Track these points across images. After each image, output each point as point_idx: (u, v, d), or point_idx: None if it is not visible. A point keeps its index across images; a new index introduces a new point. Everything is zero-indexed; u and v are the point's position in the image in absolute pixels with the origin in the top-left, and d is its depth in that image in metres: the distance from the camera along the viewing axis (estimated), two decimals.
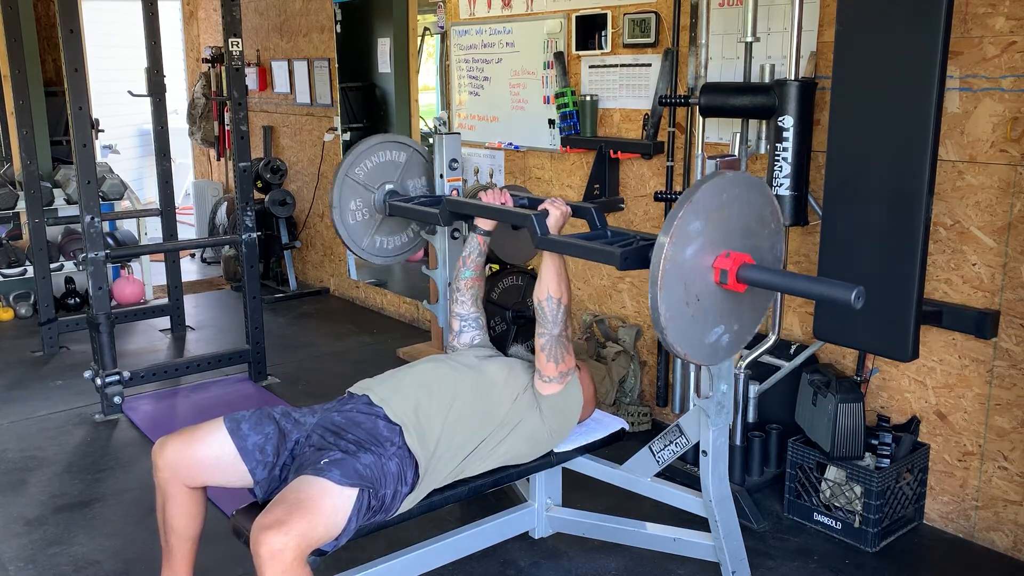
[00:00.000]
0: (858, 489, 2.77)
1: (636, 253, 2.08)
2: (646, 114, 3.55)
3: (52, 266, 5.06)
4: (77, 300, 5.52)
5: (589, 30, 3.74)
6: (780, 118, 2.73)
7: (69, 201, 5.47)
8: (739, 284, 1.92)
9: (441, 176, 2.85)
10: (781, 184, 2.76)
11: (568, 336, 2.36)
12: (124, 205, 5.94)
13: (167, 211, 5.01)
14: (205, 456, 2.12)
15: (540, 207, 2.38)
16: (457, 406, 2.27)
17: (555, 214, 2.35)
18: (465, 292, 2.65)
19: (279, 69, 6.19)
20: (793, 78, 2.72)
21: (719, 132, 3.26)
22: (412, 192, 2.93)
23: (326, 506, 1.93)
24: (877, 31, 2.44)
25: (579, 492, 2.91)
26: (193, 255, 7.26)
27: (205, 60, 6.95)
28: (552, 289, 2.31)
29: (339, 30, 5.51)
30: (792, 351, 3.04)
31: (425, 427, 2.21)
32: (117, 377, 3.87)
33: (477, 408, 2.30)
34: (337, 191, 2.78)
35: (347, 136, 5.65)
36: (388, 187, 2.87)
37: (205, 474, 2.14)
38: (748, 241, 1.98)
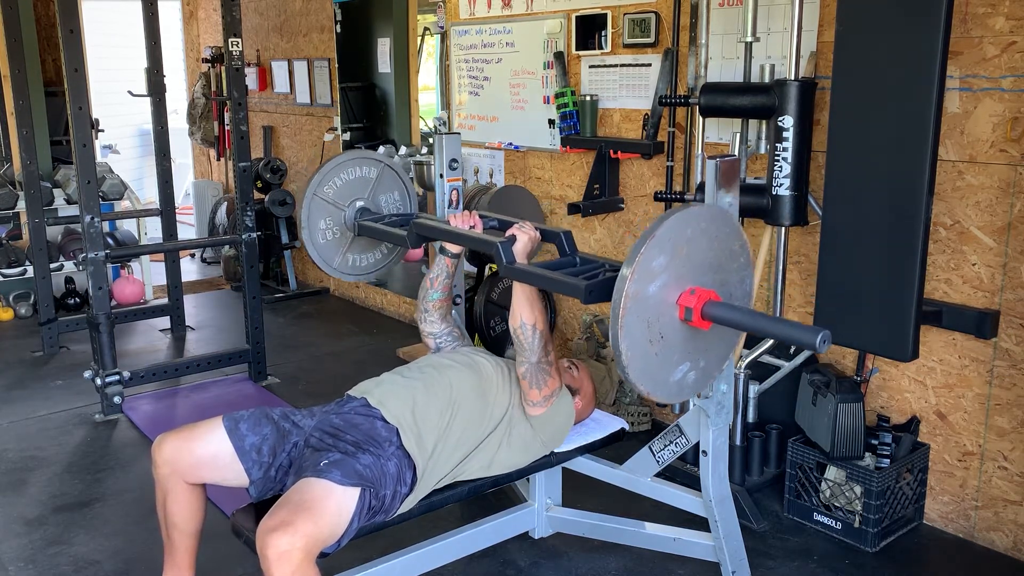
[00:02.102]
0: (858, 489, 2.77)
1: (601, 286, 1.98)
2: (646, 114, 3.55)
3: (52, 266, 5.06)
4: (77, 300, 5.51)
5: (589, 30, 3.74)
6: (780, 118, 2.73)
7: (69, 201, 5.47)
8: (704, 322, 1.86)
9: (441, 176, 2.84)
10: (781, 184, 2.76)
11: (549, 360, 2.29)
12: (124, 205, 5.94)
13: (167, 211, 5.00)
14: (203, 454, 2.13)
15: (508, 232, 2.30)
16: (455, 407, 2.27)
17: (523, 240, 2.27)
18: (433, 312, 2.60)
19: (279, 69, 6.19)
20: (793, 78, 2.72)
21: (719, 132, 3.26)
22: (384, 207, 2.84)
23: (330, 506, 1.94)
24: (877, 31, 2.44)
25: (579, 492, 2.91)
26: (193, 255, 7.26)
27: (205, 60, 6.95)
28: (525, 316, 2.24)
29: (339, 30, 5.52)
30: (792, 351, 3.04)
31: (422, 428, 2.21)
32: (117, 377, 3.87)
33: (475, 409, 2.30)
34: (306, 211, 2.68)
35: (347, 136, 5.65)
36: (359, 204, 2.78)
37: (202, 471, 2.15)
38: (716, 276, 1.92)
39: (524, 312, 2.24)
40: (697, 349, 1.94)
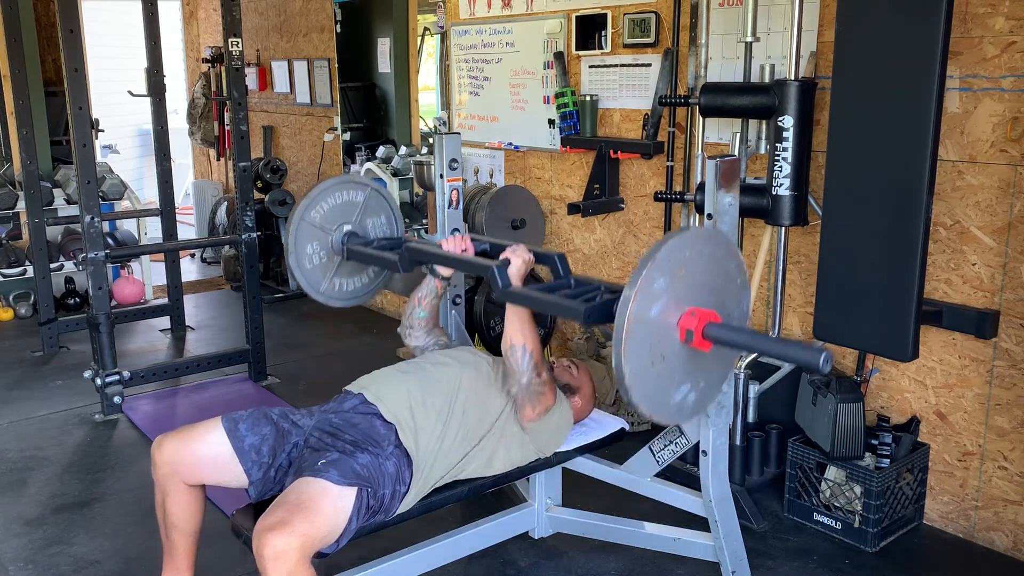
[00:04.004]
0: (858, 489, 2.77)
1: (600, 308, 1.99)
2: (646, 114, 3.55)
3: (52, 266, 5.06)
4: (77, 300, 5.51)
5: (589, 30, 3.74)
6: (780, 118, 2.73)
7: (69, 201, 5.47)
8: (705, 343, 1.86)
9: (441, 176, 2.84)
10: (781, 184, 2.76)
11: (542, 381, 2.28)
12: (124, 205, 5.94)
13: (167, 211, 5.00)
14: (203, 455, 2.13)
15: (501, 256, 2.29)
16: (453, 404, 2.27)
17: (516, 263, 2.26)
18: (418, 329, 2.61)
19: (279, 69, 6.19)
20: (793, 78, 2.72)
21: (719, 132, 3.26)
22: (371, 231, 2.81)
23: (327, 506, 1.93)
24: (877, 31, 2.44)
25: (579, 492, 2.91)
26: (193, 255, 7.26)
27: (205, 60, 6.96)
28: (515, 339, 2.24)
29: (339, 30, 5.52)
30: None
31: (420, 426, 2.21)
32: (117, 377, 3.87)
33: (473, 406, 2.30)
34: (292, 236, 2.65)
35: (347, 136, 5.65)
36: (346, 228, 2.74)
37: (202, 472, 2.15)
38: (714, 297, 1.92)
39: (515, 335, 2.24)
40: (697, 370, 1.94)
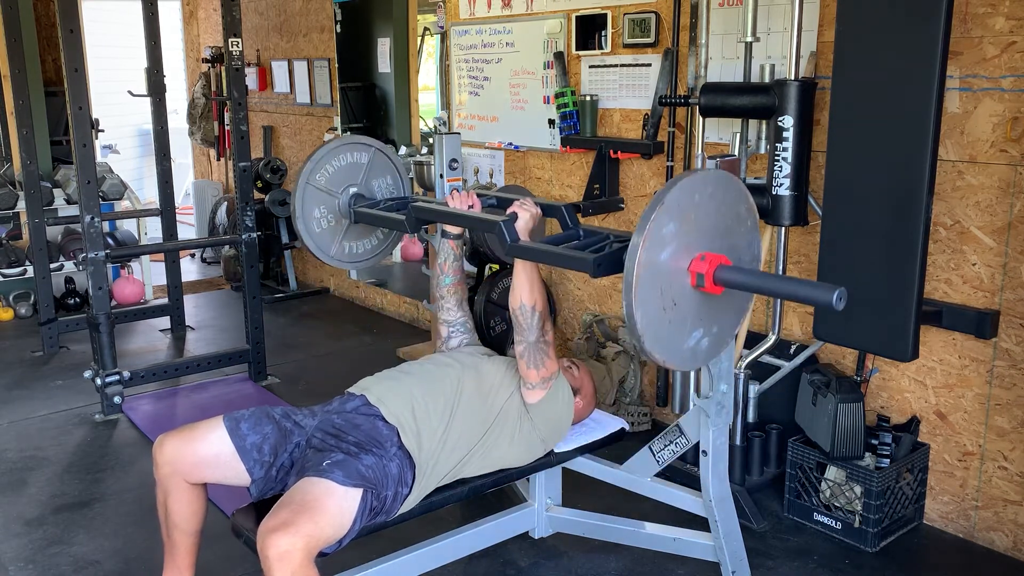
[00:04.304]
0: (858, 489, 2.77)
1: (609, 259, 1.98)
2: (646, 114, 3.55)
3: (52, 266, 5.06)
4: (77, 300, 5.51)
5: (589, 30, 3.74)
6: (780, 118, 2.73)
7: (69, 201, 5.47)
8: (716, 287, 1.85)
9: (441, 176, 2.84)
10: (781, 184, 2.76)
11: (547, 341, 2.29)
12: (124, 205, 5.94)
13: (167, 211, 5.01)
14: (205, 454, 2.13)
15: (509, 210, 2.28)
16: (455, 405, 2.27)
17: (524, 217, 2.25)
18: (449, 298, 2.60)
19: (279, 69, 6.19)
20: (793, 78, 2.71)
21: (719, 132, 3.26)
22: (378, 193, 2.81)
23: (332, 507, 1.94)
24: (877, 31, 2.44)
25: (579, 492, 2.91)
26: (193, 255, 7.26)
27: (205, 60, 6.95)
28: (525, 297, 2.24)
29: (339, 30, 5.51)
30: (792, 351, 3.04)
31: (422, 427, 2.21)
32: (117, 377, 3.87)
33: (475, 407, 2.30)
34: (299, 200, 2.64)
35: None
36: (352, 190, 2.74)
37: (203, 471, 2.15)
38: (725, 241, 1.91)
39: (524, 293, 2.24)
40: (710, 315, 1.94)
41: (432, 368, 2.38)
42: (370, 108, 5.76)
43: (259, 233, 4.41)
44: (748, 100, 2.83)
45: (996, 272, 2.64)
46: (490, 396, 2.34)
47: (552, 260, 2.14)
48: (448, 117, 4.63)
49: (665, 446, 2.46)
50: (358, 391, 2.32)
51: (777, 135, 2.74)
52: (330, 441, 2.15)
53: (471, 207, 2.48)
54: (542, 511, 2.79)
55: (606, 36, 3.67)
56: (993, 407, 2.71)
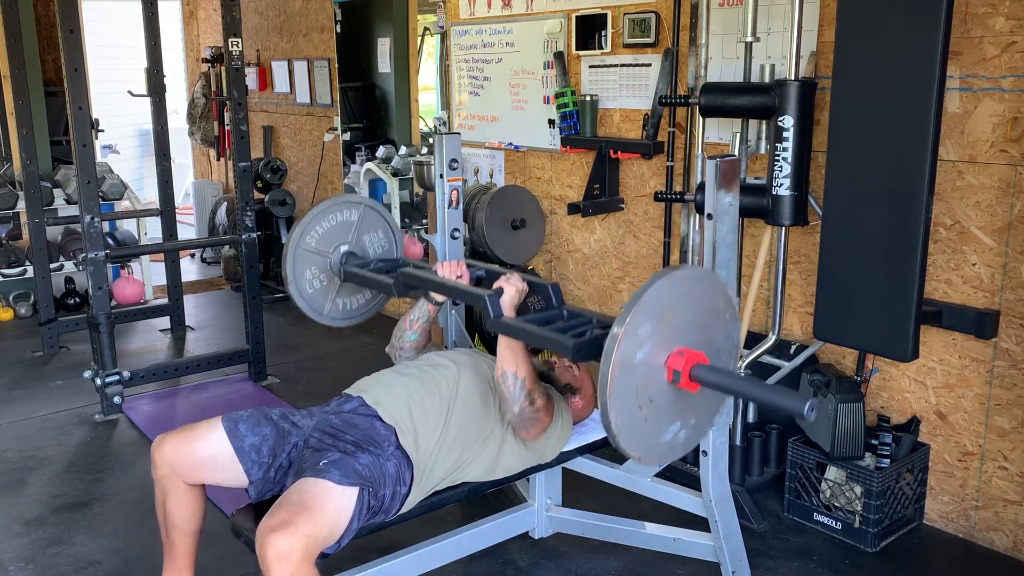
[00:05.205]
0: (858, 489, 2.77)
1: (589, 344, 1.98)
2: (646, 114, 3.55)
3: (52, 266, 5.06)
4: (77, 300, 5.51)
5: (589, 30, 3.74)
6: (780, 118, 2.73)
7: (69, 201, 5.47)
8: (692, 384, 1.85)
9: (441, 176, 2.84)
10: (781, 184, 2.76)
11: (536, 408, 2.24)
12: (124, 205, 5.94)
13: (167, 211, 5.01)
14: (203, 455, 2.13)
15: (495, 285, 2.29)
16: (452, 407, 2.27)
17: (510, 292, 2.25)
18: (409, 351, 2.60)
19: (279, 69, 6.19)
20: (793, 78, 2.71)
21: (719, 132, 3.26)
22: (369, 248, 2.80)
23: (329, 506, 1.94)
24: (877, 31, 2.44)
25: (579, 492, 2.91)
26: (193, 255, 7.26)
27: (205, 60, 6.95)
28: (507, 366, 2.21)
29: (339, 30, 5.51)
30: (792, 351, 3.04)
31: (419, 427, 2.21)
32: (117, 377, 3.87)
33: (472, 409, 2.29)
34: (290, 264, 2.65)
35: (347, 136, 5.65)
36: (343, 248, 2.74)
37: (202, 472, 2.15)
38: (702, 335, 1.91)
39: (507, 362, 2.21)
40: (688, 408, 1.93)
41: (429, 369, 2.37)
42: (370, 108, 5.76)
43: (259, 233, 4.41)
44: (748, 100, 2.83)
45: (996, 272, 2.64)
46: (489, 397, 2.34)
47: (533, 340, 2.13)
48: (448, 117, 4.63)
49: None
50: (355, 392, 2.32)
51: (777, 135, 2.74)
52: (327, 441, 2.15)
53: (459, 277, 2.48)
54: (542, 511, 2.79)
55: (606, 36, 3.67)
56: (993, 407, 2.71)
